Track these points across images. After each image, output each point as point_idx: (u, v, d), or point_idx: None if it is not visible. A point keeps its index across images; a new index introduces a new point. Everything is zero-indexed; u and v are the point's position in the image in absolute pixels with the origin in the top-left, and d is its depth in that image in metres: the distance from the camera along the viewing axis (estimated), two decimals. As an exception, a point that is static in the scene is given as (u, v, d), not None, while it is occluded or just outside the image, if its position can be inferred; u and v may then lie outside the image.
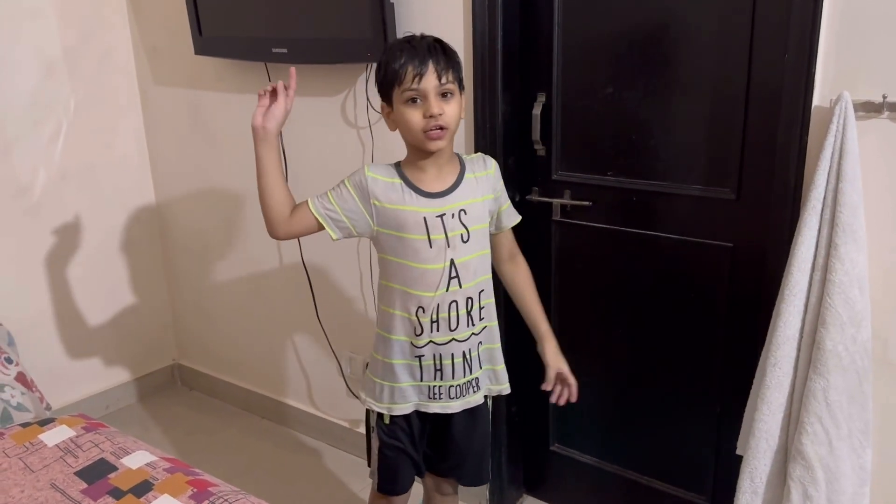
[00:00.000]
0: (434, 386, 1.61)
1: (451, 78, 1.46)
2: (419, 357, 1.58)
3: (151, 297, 3.06)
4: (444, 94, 1.46)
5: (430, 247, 1.52)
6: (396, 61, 1.45)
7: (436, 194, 1.53)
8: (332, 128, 2.30)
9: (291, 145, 2.42)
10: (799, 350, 1.56)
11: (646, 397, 2.04)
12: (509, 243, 1.71)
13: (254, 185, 2.59)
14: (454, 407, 1.63)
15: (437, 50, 1.47)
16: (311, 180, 2.41)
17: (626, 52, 1.84)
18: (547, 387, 1.68)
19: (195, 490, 1.50)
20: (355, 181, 1.54)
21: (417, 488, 1.80)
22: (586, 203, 1.99)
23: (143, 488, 1.50)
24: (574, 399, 1.68)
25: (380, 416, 1.65)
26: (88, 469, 1.58)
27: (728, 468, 1.86)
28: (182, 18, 2.45)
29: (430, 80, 1.44)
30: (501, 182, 1.65)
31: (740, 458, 1.68)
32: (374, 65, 2.08)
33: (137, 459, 1.60)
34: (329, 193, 1.56)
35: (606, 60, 1.88)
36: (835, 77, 1.51)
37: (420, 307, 1.54)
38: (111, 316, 2.93)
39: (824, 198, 1.49)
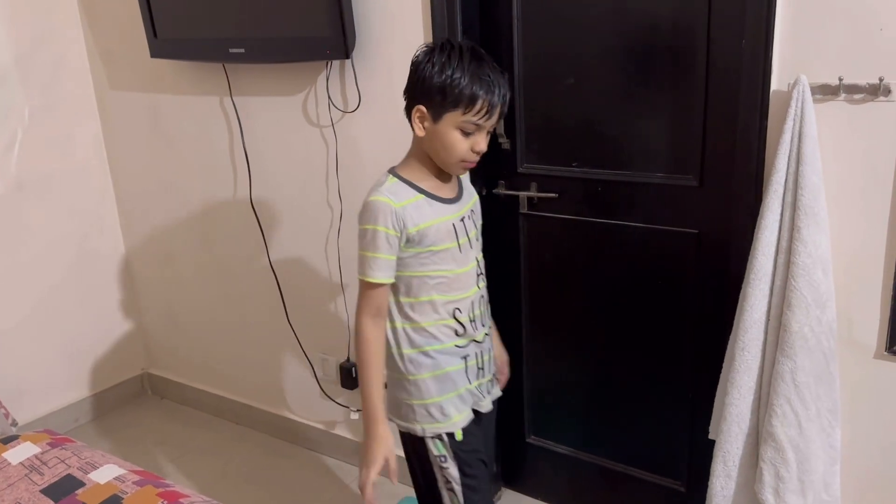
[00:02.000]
0: (479, 384, 1.59)
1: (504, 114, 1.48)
2: (465, 357, 1.55)
3: (117, 306, 3.00)
4: (488, 131, 1.46)
5: (461, 251, 1.51)
6: (473, 86, 1.38)
7: (453, 200, 1.52)
8: (294, 128, 2.27)
9: (253, 146, 2.39)
10: (766, 333, 1.58)
11: (619, 386, 2.05)
12: None
13: (218, 189, 2.59)
14: (488, 403, 1.62)
15: (506, 91, 1.43)
16: (275, 182, 2.39)
17: (586, 43, 1.84)
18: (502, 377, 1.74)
19: (166, 502, 1.47)
20: (390, 221, 1.42)
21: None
22: (553, 195, 1.99)
23: (111, 503, 1.47)
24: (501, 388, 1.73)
25: (450, 437, 1.53)
26: (55, 486, 1.54)
27: (702, 453, 1.87)
28: (136, 21, 2.40)
29: (492, 121, 1.43)
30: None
31: (713, 443, 1.69)
32: (337, 62, 2.08)
33: (106, 473, 1.56)
34: (376, 255, 1.43)
35: (567, 52, 1.88)
36: (792, 61, 1.52)
37: (457, 309, 1.51)
38: (77, 327, 2.87)
39: (785, 181, 1.50)
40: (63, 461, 1.62)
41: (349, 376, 2.39)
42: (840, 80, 1.46)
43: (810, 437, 1.56)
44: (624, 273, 1.94)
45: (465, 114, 1.39)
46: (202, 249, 2.69)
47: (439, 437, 1.53)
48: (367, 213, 1.44)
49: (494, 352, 1.68)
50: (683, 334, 1.90)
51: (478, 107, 1.39)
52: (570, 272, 2.04)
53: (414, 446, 1.57)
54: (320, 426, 2.57)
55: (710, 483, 1.69)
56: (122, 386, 3.06)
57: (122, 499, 1.48)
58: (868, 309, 1.56)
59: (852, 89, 1.46)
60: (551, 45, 1.89)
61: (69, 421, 2.86)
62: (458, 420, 1.53)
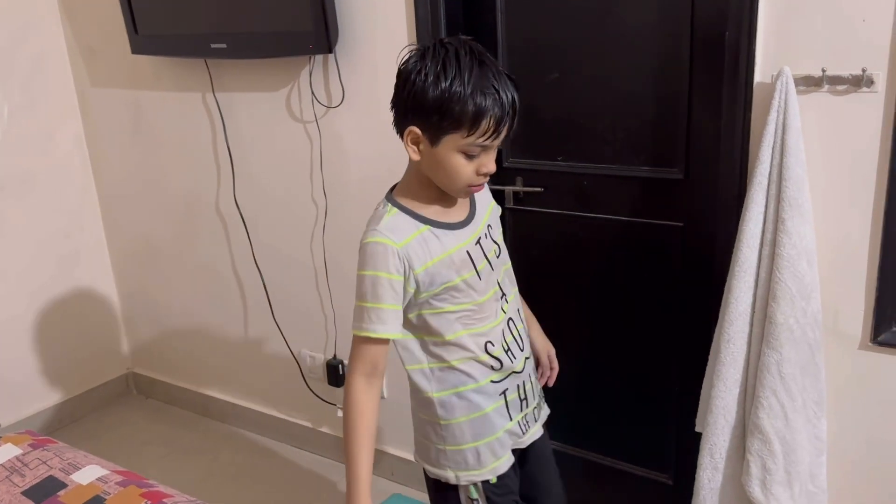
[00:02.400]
0: (522, 418, 1.43)
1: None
2: (503, 393, 1.38)
3: (101, 305, 2.97)
4: (496, 147, 1.26)
5: (480, 279, 1.32)
6: (476, 101, 1.16)
7: (464, 222, 1.33)
8: (277, 123, 2.25)
9: (237, 143, 2.37)
10: (751, 325, 1.57)
11: (605, 379, 2.05)
12: None
13: (201, 186, 2.57)
14: (538, 430, 1.48)
15: (515, 96, 1.21)
16: (259, 178, 2.37)
17: (570, 36, 1.83)
18: (545, 371, 1.59)
19: (149, 502, 1.45)
20: (392, 264, 1.23)
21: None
22: (538, 189, 1.98)
23: (94, 504, 1.45)
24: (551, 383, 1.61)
25: (485, 483, 1.40)
26: (36, 488, 1.52)
27: (689, 445, 1.87)
28: (117, 17, 2.37)
29: (501, 138, 1.22)
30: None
31: (700, 435, 1.69)
32: (320, 57, 2.06)
33: (88, 474, 1.54)
34: (378, 305, 1.24)
35: (551, 45, 1.87)
36: (775, 53, 1.51)
37: (489, 342, 1.34)
38: (60, 327, 2.84)
39: (769, 173, 1.50)
40: (45, 462, 1.60)
41: (335, 373, 2.38)
42: (823, 71, 1.46)
43: (796, 428, 1.56)
44: (610, 267, 1.94)
45: (468, 136, 1.18)
46: (186, 247, 2.67)
47: (473, 483, 1.39)
48: (364, 257, 1.25)
49: (536, 345, 1.54)
50: (669, 327, 1.89)
51: (483, 127, 1.17)
52: (556, 266, 2.04)
53: (443, 493, 1.43)
54: (307, 424, 2.56)
55: (697, 476, 1.69)
56: (107, 386, 3.03)
57: (105, 500, 1.46)
58: (853, 300, 1.56)
59: (835, 80, 1.46)
60: (536, 37, 1.88)
61: (54, 422, 2.83)
62: (496, 466, 1.39)
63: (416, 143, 1.23)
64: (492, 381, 1.36)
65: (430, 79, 1.17)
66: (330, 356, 2.40)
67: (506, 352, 1.37)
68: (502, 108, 1.18)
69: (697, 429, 1.73)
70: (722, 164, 1.64)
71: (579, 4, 1.80)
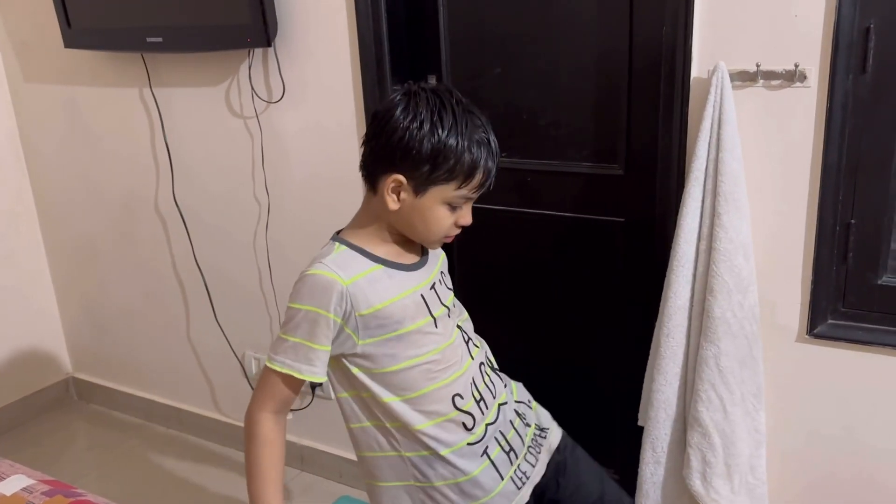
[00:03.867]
0: (515, 472, 1.30)
1: None
2: (485, 453, 1.25)
3: (39, 308, 2.87)
4: None
5: (436, 326, 1.23)
6: (472, 154, 1.14)
7: (418, 264, 1.26)
8: (217, 119, 2.19)
9: (175, 140, 2.30)
10: (690, 319, 1.58)
11: (548, 375, 2.03)
12: None
13: (140, 184, 2.50)
14: (538, 471, 1.35)
15: (498, 148, 1.21)
16: (199, 176, 2.31)
17: (511, 31, 1.82)
18: None
19: (76, 512, 1.40)
20: (333, 302, 1.13)
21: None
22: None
23: (18, 515, 1.39)
24: None
25: None
26: (-44, 499, 1.45)
27: (633, 439, 1.87)
28: (50, 10, 2.28)
29: (485, 189, 1.21)
30: None
31: (643, 429, 1.70)
32: (259, 50, 2.01)
33: (12, 485, 1.48)
34: (307, 342, 1.14)
35: (493, 39, 1.85)
36: (712, 48, 1.52)
37: (457, 395, 1.22)
38: (-4, 331, 2.74)
39: (706, 168, 1.51)
40: (-34, 473, 1.53)
41: (281, 375, 2.33)
42: (758, 66, 1.47)
43: (735, 421, 1.58)
44: (552, 263, 1.93)
45: (459, 188, 1.16)
46: (125, 247, 2.59)
47: None
48: (304, 289, 1.15)
49: None
50: (612, 322, 1.90)
51: (477, 179, 1.16)
52: (499, 263, 2.02)
53: None
54: (253, 427, 2.50)
55: (639, 469, 1.70)
56: (46, 391, 2.93)
57: (29, 510, 1.41)
58: (789, 293, 1.57)
59: (770, 75, 1.47)
60: (479, 32, 1.87)
61: (-11, 429, 2.73)
62: None
63: (397, 191, 1.17)
64: (468, 444, 1.23)
65: (426, 128, 1.13)
66: (275, 357, 2.35)
67: (477, 403, 1.25)
68: (494, 160, 1.18)
69: (640, 423, 1.74)
70: (660, 160, 1.64)
71: (520, -1, 1.79)
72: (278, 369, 1.17)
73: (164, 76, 2.25)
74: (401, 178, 1.16)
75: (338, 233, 1.27)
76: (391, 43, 1.89)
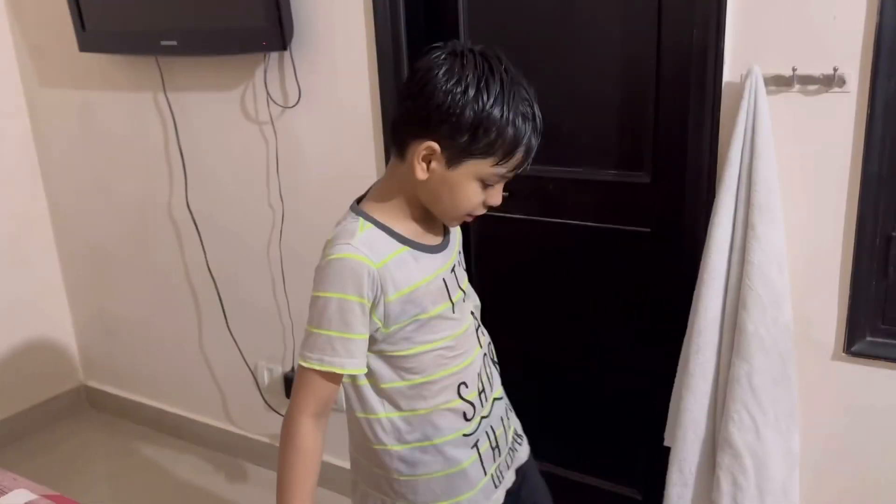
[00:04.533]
0: (496, 469, 1.25)
1: None
2: (475, 445, 1.20)
3: (51, 315, 2.84)
4: None
5: (454, 311, 1.16)
6: (516, 128, 1.04)
7: (440, 246, 1.17)
8: (231, 124, 2.15)
9: (190, 145, 2.27)
10: (721, 335, 1.51)
11: (571, 390, 1.98)
12: None
13: (153, 190, 2.46)
14: (510, 477, 1.30)
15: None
16: (213, 182, 2.27)
17: (535, 35, 1.76)
18: None
19: (79, 529, 1.35)
20: (366, 287, 1.05)
21: None
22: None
23: (19, 531, 1.35)
24: None
25: None
26: (-43, 514, 1.41)
27: (658, 459, 1.80)
28: (64, 14, 2.26)
29: (524, 167, 1.11)
30: None
31: (669, 450, 1.63)
32: (275, 54, 1.96)
33: (14, 500, 1.43)
34: (343, 334, 1.07)
35: (515, 45, 1.79)
36: (744, 51, 1.46)
37: (462, 384, 1.16)
38: (8, 338, 2.70)
39: (739, 176, 1.44)
40: (-31, 486, 1.48)
41: (294, 386, 2.28)
42: (794, 70, 1.40)
43: (768, 442, 1.50)
44: (575, 275, 1.87)
45: (497, 164, 1.05)
46: (138, 254, 2.55)
47: None
48: (331, 275, 1.06)
49: None
50: (637, 337, 1.83)
51: (517, 157, 1.06)
52: (520, 274, 1.96)
53: None
54: (265, 439, 2.45)
55: (665, 492, 1.63)
56: (58, 399, 2.89)
57: (32, 526, 1.36)
58: (825, 308, 1.50)
59: (806, 80, 1.40)
60: (499, 38, 1.81)
61: (1, 437, 2.68)
62: None
63: (428, 160, 1.06)
64: (464, 435, 1.18)
65: (471, 93, 1.02)
66: (288, 369, 2.30)
67: (479, 394, 1.19)
68: (538, 138, 1.08)
69: (666, 443, 1.66)
70: (690, 168, 1.58)
71: (544, 5, 1.73)
72: (316, 367, 1.07)
73: (178, 80, 2.21)
74: (435, 145, 1.05)
75: (358, 201, 1.16)
76: (410, 48, 1.84)
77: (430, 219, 1.16)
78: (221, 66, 2.09)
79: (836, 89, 1.39)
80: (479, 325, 1.24)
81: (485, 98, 1.02)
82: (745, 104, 1.42)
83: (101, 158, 2.51)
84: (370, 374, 1.15)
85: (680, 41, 1.56)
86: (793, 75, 1.41)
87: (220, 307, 2.35)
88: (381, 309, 1.08)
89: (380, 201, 1.14)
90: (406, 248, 1.11)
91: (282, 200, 2.13)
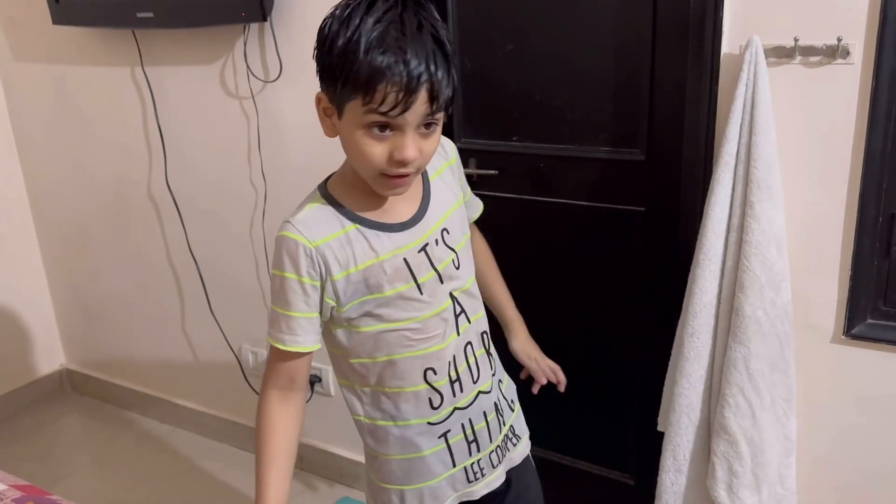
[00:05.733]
0: (472, 464, 1.20)
1: (442, 102, 0.96)
2: (444, 435, 1.16)
3: (30, 297, 2.77)
4: (426, 127, 0.98)
5: (421, 293, 1.09)
6: (371, 57, 0.91)
7: (408, 222, 1.09)
8: (211, 100, 2.07)
9: (168, 121, 2.19)
10: (717, 318, 1.46)
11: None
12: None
13: (132, 168, 2.38)
14: (498, 476, 1.24)
15: (439, 58, 0.94)
16: (193, 160, 2.19)
17: (525, 5, 1.69)
18: (539, 379, 1.43)
19: (49, 521, 1.29)
20: (304, 266, 1.03)
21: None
22: (493, 172, 1.84)
23: (-13, 523, 1.29)
24: (561, 387, 1.44)
25: None
26: (-78, 506, 1.35)
27: (652, 444, 1.76)
28: (37, -16, 2.17)
29: (416, 110, 0.94)
30: (461, 166, 1.24)
31: (663, 435, 1.58)
32: (255, 26, 1.88)
33: (-17, 489, 1.38)
34: (288, 312, 1.06)
35: (505, 15, 1.72)
36: (744, 21, 1.39)
37: (429, 370, 1.12)
38: (-13, 321, 2.65)
39: (737, 152, 1.39)
40: (-64, 476, 1.43)
41: (278, 369, 2.23)
42: (795, 41, 1.34)
43: (765, 427, 1.46)
44: (568, 255, 1.81)
45: (366, 105, 0.93)
46: (118, 234, 2.48)
47: None
48: (275, 252, 1.06)
49: (514, 347, 1.38)
50: (630, 319, 1.78)
51: (380, 94, 0.92)
52: (510, 255, 1.89)
53: None
54: (249, 423, 2.40)
55: (659, 478, 1.58)
56: (39, 383, 2.84)
57: (-1, 518, 1.30)
58: (825, 290, 1.45)
59: (808, 51, 1.34)
60: (489, 6, 1.74)
61: (-21, 422, 2.64)
62: None
63: (327, 114, 1.01)
64: (428, 423, 1.14)
65: (334, 27, 0.94)
66: (272, 351, 2.25)
67: (452, 383, 1.13)
68: (409, 76, 0.91)
69: (660, 428, 1.62)
70: (686, 144, 1.52)
71: (534, -30, 1.66)
72: (270, 342, 1.09)
73: (155, 54, 2.13)
74: (323, 95, 1.00)
75: (324, 182, 1.12)
76: (395, 18, 1.76)
77: (398, 196, 1.09)
78: (199, 39, 2.01)
79: (840, 61, 1.33)
80: (461, 311, 1.15)
81: (345, 30, 0.93)
82: (744, 77, 1.35)
83: (78, 135, 2.43)
84: (341, 347, 1.13)
85: (676, 11, 1.49)
86: (794, 46, 1.34)
87: (203, 289, 2.29)
88: (329, 288, 1.05)
89: (340, 174, 1.11)
90: (354, 227, 1.05)
91: (264, 179, 2.06)
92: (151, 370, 2.62)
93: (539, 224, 1.83)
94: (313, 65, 1.84)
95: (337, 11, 0.96)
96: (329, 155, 1.92)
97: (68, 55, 2.33)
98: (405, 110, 0.93)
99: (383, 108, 0.93)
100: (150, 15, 1.94)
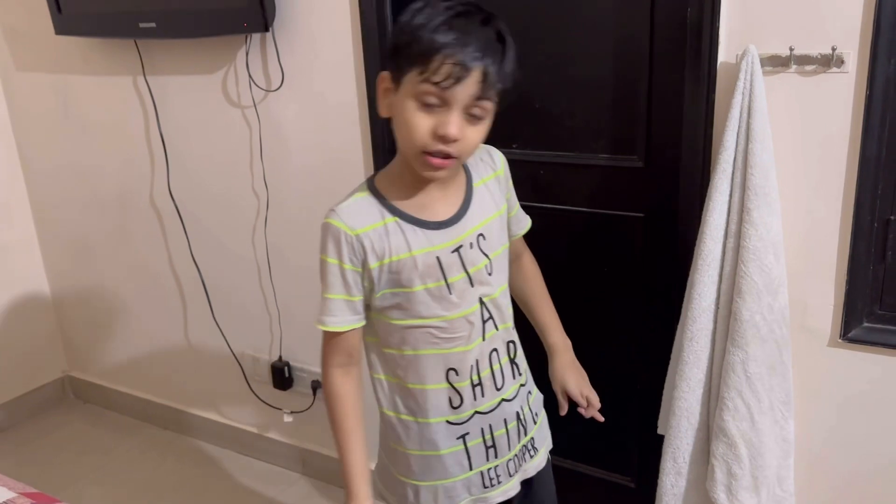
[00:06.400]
0: (489, 469, 1.24)
1: (494, 94, 1.04)
2: (463, 437, 1.20)
3: (33, 305, 2.78)
4: (472, 114, 1.05)
5: (450, 293, 1.14)
6: (435, 35, 1.00)
7: (445, 222, 1.14)
8: (213, 109, 2.09)
9: (170, 130, 2.21)
10: (716, 322, 1.48)
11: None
12: (517, 245, 1.37)
13: (135, 177, 2.40)
14: (514, 486, 1.28)
15: (496, 49, 1.03)
16: (195, 168, 2.21)
17: (523, 13, 1.71)
18: (561, 411, 1.41)
19: (58, 528, 1.31)
20: (345, 252, 1.10)
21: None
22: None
23: (-4, 531, 1.30)
24: (599, 417, 1.41)
25: None
26: (-68, 513, 1.36)
27: (652, 447, 1.78)
28: (39, -5, 2.19)
29: (467, 89, 1.01)
30: (510, 179, 1.30)
31: (663, 438, 1.60)
32: (257, 36, 1.91)
33: (-8, 497, 1.39)
34: (329, 295, 1.13)
35: (505, 22, 1.74)
36: (740, 30, 1.41)
37: (452, 370, 1.17)
38: (-10, 328, 2.66)
39: (734, 160, 1.40)
40: (-55, 484, 1.44)
41: (281, 376, 2.24)
42: (791, 50, 1.36)
43: (763, 430, 1.48)
44: (567, 262, 1.83)
45: (422, 74, 1.00)
46: (120, 242, 2.50)
47: None
48: (321, 238, 1.13)
49: (554, 374, 1.38)
50: (630, 323, 1.79)
51: (436, 62, 0.99)
52: (511, 260, 1.92)
53: None
54: (252, 429, 2.42)
55: (659, 481, 1.60)
56: (42, 391, 2.85)
57: (9, 526, 1.32)
58: (822, 294, 1.47)
59: (804, 60, 1.36)
60: (487, 16, 1.76)
61: (-17, 429, 2.65)
62: None
63: (384, 93, 1.09)
64: (448, 422, 1.19)
65: (411, 13, 1.04)
66: (275, 358, 2.26)
67: (473, 386, 1.18)
68: (464, 53, 1.00)
69: (660, 431, 1.64)
70: (684, 151, 1.54)
71: (533, -20, 1.68)
72: (317, 325, 1.17)
73: (158, 64, 2.15)
74: (386, 74, 1.08)
75: (372, 176, 1.20)
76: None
77: (432, 191, 1.14)
78: (202, 49, 2.03)
79: (835, 69, 1.35)
80: (489, 318, 1.20)
81: (418, 16, 1.03)
82: (740, 85, 1.38)
83: (81, 145, 2.45)
84: (375, 335, 1.21)
85: (674, 20, 1.52)
86: (790, 55, 1.36)
87: (205, 296, 2.30)
88: (366, 274, 1.13)
89: (388, 169, 1.18)
90: (394, 219, 1.12)
91: (266, 187, 2.08)
92: (154, 377, 2.63)
93: (538, 230, 1.84)
94: (315, 73, 1.88)
95: (417, 4, 1.05)
96: (331, 163, 1.96)
97: (71, 65, 2.35)
98: (456, 83, 1.00)
99: (436, 78, 1.00)
100: (153, 25, 1.96)
